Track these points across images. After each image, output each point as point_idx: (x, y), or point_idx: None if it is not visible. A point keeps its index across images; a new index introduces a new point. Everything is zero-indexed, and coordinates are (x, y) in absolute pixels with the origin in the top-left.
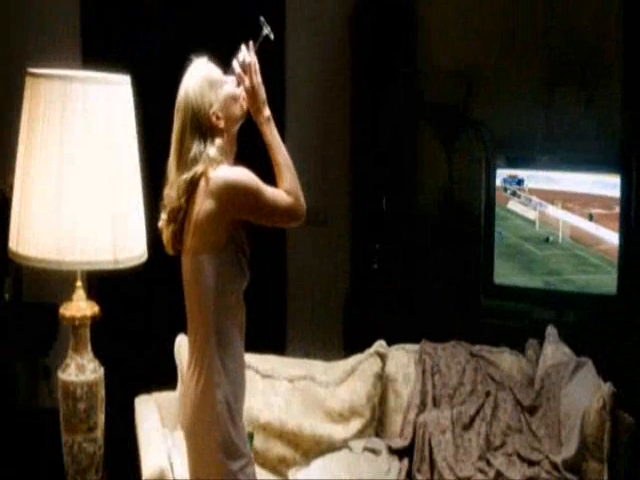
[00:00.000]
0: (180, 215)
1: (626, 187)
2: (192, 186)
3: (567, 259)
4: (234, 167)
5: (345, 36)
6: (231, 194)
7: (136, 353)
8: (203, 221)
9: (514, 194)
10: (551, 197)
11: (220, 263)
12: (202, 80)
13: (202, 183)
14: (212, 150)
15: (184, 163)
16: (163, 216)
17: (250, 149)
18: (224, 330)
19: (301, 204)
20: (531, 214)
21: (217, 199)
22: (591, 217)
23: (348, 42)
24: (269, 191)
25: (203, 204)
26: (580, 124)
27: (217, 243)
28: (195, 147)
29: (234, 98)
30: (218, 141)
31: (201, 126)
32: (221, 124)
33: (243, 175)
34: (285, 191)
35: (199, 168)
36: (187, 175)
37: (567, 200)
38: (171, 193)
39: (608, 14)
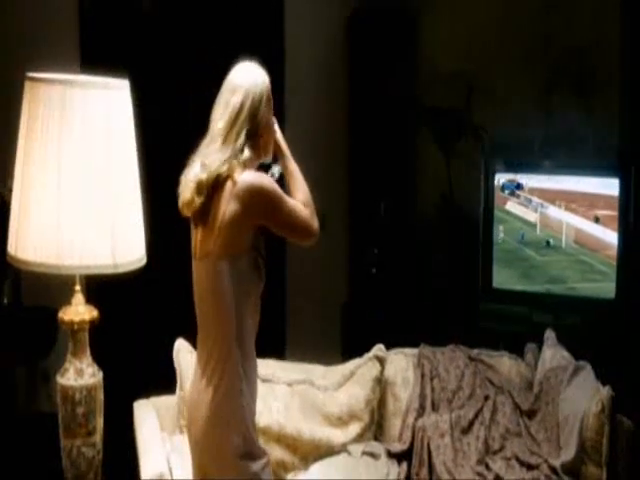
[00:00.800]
0: (205, 190)
1: (624, 191)
2: (216, 184)
3: (571, 265)
4: (259, 173)
5: (344, 39)
6: (255, 197)
7: (135, 357)
8: (227, 223)
9: (513, 194)
10: (553, 197)
11: (241, 268)
12: (266, 91)
13: (228, 184)
14: (247, 152)
15: (230, 144)
16: (191, 170)
17: None
18: (244, 335)
19: (315, 219)
20: (531, 216)
21: (241, 202)
22: (597, 220)
23: (346, 46)
24: (290, 201)
25: (228, 206)
26: (579, 129)
27: (239, 247)
28: (242, 139)
29: (273, 129)
30: (251, 151)
31: (252, 120)
32: (261, 140)
33: (267, 181)
34: (301, 202)
35: (225, 169)
36: (212, 173)
37: (571, 201)
38: (209, 160)
39: (607, 20)
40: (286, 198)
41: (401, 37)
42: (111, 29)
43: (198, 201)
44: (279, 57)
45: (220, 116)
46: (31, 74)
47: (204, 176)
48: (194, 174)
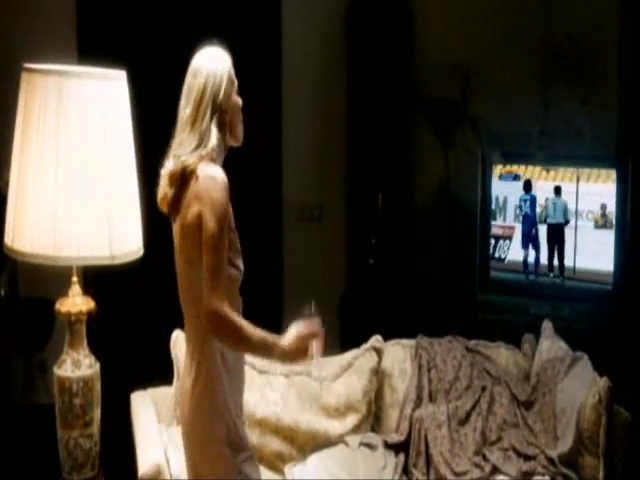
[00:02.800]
0: (175, 182)
1: (622, 182)
2: (184, 176)
3: None
4: (223, 176)
5: (342, 31)
6: (203, 189)
7: (132, 349)
8: (191, 223)
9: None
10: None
11: None
12: (227, 70)
13: (193, 180)
14: (214, 136)
15: (197, 128)
16: (167, 164)
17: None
18: None
19: (220, 297)
20: None
21: (200, 199)
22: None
23: (345, 37)
24: (224, 245)
25: (191, 208)
26: (576, 120)
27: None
28: (207, 119)
29: (239, 109)
30: (218, 135)
31: (214, 100)
32: (226, 117)
33: (222, 188)
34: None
35: (191, 161)
36: (179, 165)
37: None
38: (180, 150)
39: (605, 11)
40: (224, 225)
41: (399, 27)
42: (109, 20)
43: (170, 194)
44: (276, 48)
45: (185, 103)
46: (28, 65)
47: (174, 168)
48: (166, 168)
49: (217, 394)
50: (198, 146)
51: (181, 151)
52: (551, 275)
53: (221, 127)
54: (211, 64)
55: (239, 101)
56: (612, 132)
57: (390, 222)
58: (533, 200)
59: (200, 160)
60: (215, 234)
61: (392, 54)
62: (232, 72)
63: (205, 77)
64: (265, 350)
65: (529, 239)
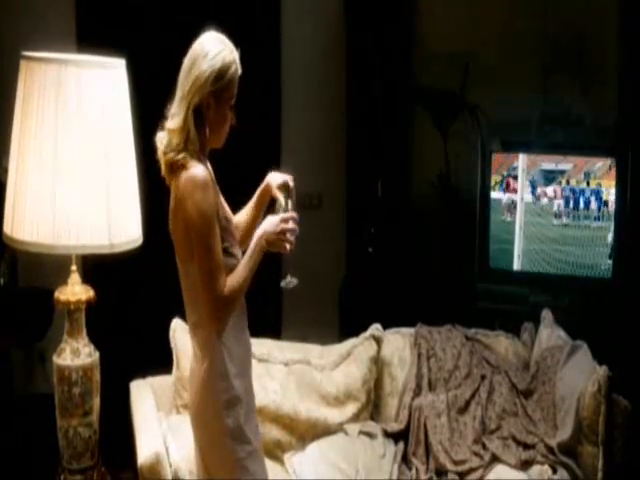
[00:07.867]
0: (167, 171)
1: (621, 171)
2: (172, 168)
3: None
4: (203, 174)
5: (341, 20)
6: (186, 192)
7: (131, 337)
8: (180, 229)
9: None
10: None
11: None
12: (221, 65)
13: (179, 176)
14: (192, 135)
15: (182, 109)
16: (160, 137)
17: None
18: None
19: (220, 286)
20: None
21: (184, 201)
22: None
23: (344, 26)
24: (216, 242)
25: (177, 212)
26: (576, 109)
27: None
28: (188, 108)
29: (229, 108)
30: (194, 129)
31: (197, 93)
32: (209, 113)
33: (202, 187)
34: (226, 282)
35: (180, 157)
36: (169, 157)
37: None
38: (171, 125)
39: (605, 0)
40: (214, 232)
41: (399, 16)
42: (108, 8)
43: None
44: (275, 38)
45: (180, 81)
46: (26, 53)
47: (163, 159)
48: (160, 141)
49: (224, 388)
50: (185, 141)
51: (169, 125)
52: None
53: (200, 120)
54: (207, 50)
55: (231, 100)
56: (612, 120)
57: (389, 211)
58: None
59: (188, 157)
60: (204, 236)
61: (392, 43)
62: (232, 72)
63: (197, 69)
64: (256, 258)
65: None
